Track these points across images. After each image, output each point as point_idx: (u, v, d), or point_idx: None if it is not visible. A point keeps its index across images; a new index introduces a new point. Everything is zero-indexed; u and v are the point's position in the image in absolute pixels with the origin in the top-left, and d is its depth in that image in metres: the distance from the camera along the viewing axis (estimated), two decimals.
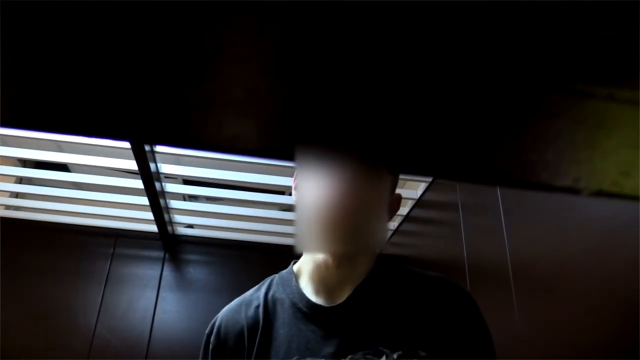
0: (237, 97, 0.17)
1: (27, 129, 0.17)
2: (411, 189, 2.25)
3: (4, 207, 2.76)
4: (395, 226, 2.46)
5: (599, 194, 0.17)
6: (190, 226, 2.80)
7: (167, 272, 2.70)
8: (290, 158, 0.18)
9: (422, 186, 2.16)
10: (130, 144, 1.62)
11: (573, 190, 0.17)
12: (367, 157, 0.17)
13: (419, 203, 2.22)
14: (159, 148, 1.84)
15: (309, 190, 0.78)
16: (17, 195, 2.81)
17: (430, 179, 2.06)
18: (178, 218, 2.61)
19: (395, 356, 0.72)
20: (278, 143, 0.18)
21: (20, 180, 2.84)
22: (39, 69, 0.16)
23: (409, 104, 0.16)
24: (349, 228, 0.76)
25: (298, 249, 0.82)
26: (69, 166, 2.60)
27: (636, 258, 0.90)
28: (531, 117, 0.16)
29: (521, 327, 1.25)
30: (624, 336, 0.92)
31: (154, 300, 2.61)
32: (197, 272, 2.74)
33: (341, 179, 0.75)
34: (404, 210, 2.34)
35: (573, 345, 1.06)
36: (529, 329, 1.23)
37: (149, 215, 2.34)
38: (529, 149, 0.16)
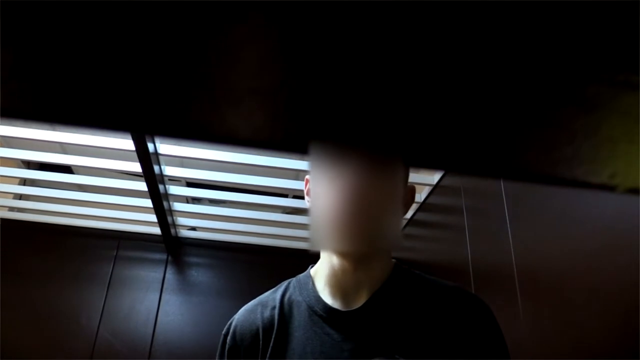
0: (242, 87, 0.17)
1: (29, 120, 0.17)
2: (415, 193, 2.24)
3: (7, 208, 2.76)
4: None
5: (633, 191, 0.17)
6: (193, 229, 2.80)
7: (170, 274, 2.70)
8: (293, 149, 0.18)
9: (425, 190, 2.16)
10: (135, 145, 1.62)
11: (607, 187, 0.16)
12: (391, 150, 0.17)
13: (423, 207, 2.21)
14: (162, 150, 1.84)
15: (321, 191, 0.78)
16: (20, 197, 2.81)
17: (434, 183, 2.05)
18: (181, 220, 2.60)
19: None
20: (283, 134, 0.18)
21: (24, 182, 2.84)
22: (41, 59, 0.16)
23: (437, 94, 0.16)
24: (363, 226, 0.75)
25: (313, 249, 0.81)
26: (73, 168, 2.60)
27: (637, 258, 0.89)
28: (566, 109, 0.15)
29: (527, 331, 1.24)
30: (631, 339, 0.91)
31: (157, 303, 2.60)
32: (200, 274, 2.73)
33: (353, 178, 0.74)
34: (408, 213, 2.33)
35: (579, 349, 1.05)
36: (535, 333, 1.22)
37: (152, 218, 2.34)
38: (563, 143, 0.15)
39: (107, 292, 2.59)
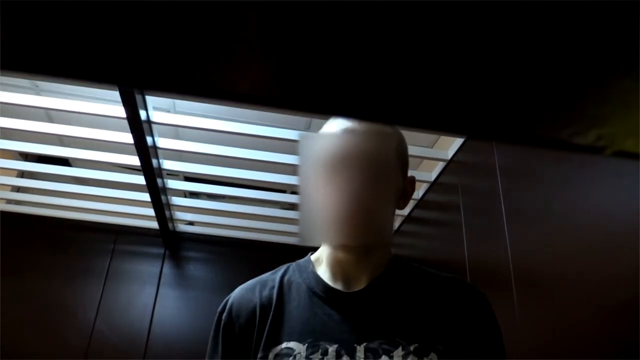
0: (241, 42, 0.17)
1: (32, 72, 0.17)
2: None
3: (4, 201, 2.76)
4: (397, 226, 2.46)
5: (621, 154, 0.17)
6: (191, 223, 2.80)
7: (167, 269, 2.70)
8: (292, 106, 0.18)
9: (423, 187, 2.16)
10: (133, 138, 1.62)
11: (594, 150, 0.17)
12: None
13: (420, 204, 2.22)
14: (161, 143, 1.84)
15: (315, 187, 0.78)
16: (18, 189, 2.81)
17: (431, 180, 2.05)
18: (179, 215, 2.60)
19: (411, 348, 0.72)
20: (281, 90, 0.18)
21: (22, 174, 2.84)
22: (42, 14, 0.16)
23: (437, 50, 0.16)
24: (361, 222, 0.76)
25: (304, 244, 0.82)
26: (71, 161, 2.60)
27: (637, 259, 0.89)
28: (557, 68, 0.15)
29: (522, 328, 1.25)
30: (625, 336, 0.92)
31: (154, 297, 2.61)
32: (197, 269, 2.73)
33: (350, 175, 0.75)
34: (404, 210, 2.33)
35: (574, 346, 1.06)
36: (530, 330, 1.22)
37: (150, 212, 2.33)
38: (552, 103, 0.15)
39: (104, 285, 2.59)
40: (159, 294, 2.62)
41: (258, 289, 0.83)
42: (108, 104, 1.75)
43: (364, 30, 0.16)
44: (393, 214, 0.85)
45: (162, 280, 2.66)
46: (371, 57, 0.16)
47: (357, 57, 0.16)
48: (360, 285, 0.80)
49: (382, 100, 0.18)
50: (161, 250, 2.73)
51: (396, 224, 2.45)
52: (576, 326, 1.06)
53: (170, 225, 2.53)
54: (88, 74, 0.17)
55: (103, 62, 0.16)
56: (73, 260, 2.62)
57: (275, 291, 0.81)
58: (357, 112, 0.19)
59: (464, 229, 1.70)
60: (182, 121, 1.76)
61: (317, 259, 0.86)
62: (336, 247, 0.82)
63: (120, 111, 1.57)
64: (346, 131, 0.78)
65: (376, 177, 0.76)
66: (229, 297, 0.85)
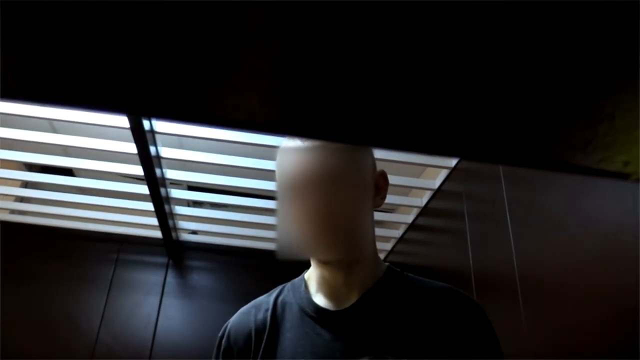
0: (240, 69, 0.17)
1: (36, 101, 0.17)
2: (416, 197, 2.24)
3: (8, 211, 2.76)
4: (400, 234, 2.45)
5: None
6: (195, 232, 2.79)
7: (171, 278, 2.69)
8: (289, 132, 0.18)
9: (427, 194, 2.15)
10: (137, 148, 1.62)
11: (621, 176, 0.16)
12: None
13: (424, 211, 2.21)
14: (164, 153, 1.84)
15: (285, 206, 0.79)
16: (21, 199, 2.81)
17: (435, 187, 2.05)
18: (182, 224, 2.60)
19: None
20: (279, 117, 0.17)
21: (26, 184, 2.84)
22: (46, 41, 0.16)
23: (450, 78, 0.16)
24: (332, 238, 0.76)
25: (281, 257, 0.83)
26: (74, 171, 2.60)
27: None
28: (585, 92, 0.15)
29: (529, 336, 1.24)
30: (632, 345, 0.91)
31: (157, 307, 2.60)
32: (200, 278, 2.73)
33: (313, 194, 0.75)
34: (408, 218, 2.33)
35: (581, 354, 1.05)
36: (537, 339, 1.21)
37: (154, 221, 2.33)
38: (579, 127, 0.15)
39: (107, 295, 2.59)
40: (162, 303, 2.61)
41: (253, 312, 0.85)
42: (112, 114, 1.76)
43: (362, 56, 0.16)
44: (369, 219, 0.82)
45: (165, 289, 2.65)
46: (368, 84, 0.16)
47: (354, 84, 0.16)
48: (350, 301, 0.79)
49: (382, 126, 0.18)
50: (165, 260, 2.73)
51: (400, 232, 2.44)
52: (584, 334, 1.05)
53: (173, 234, 2.53)
54: (80, 101, 0.16)
55: (98, 90, 0.16)
56: (76, 270, 2.61)
57: (269, 314, 0.82)
58: (354, 137, 0.19)
59: (468, 236, 1.70)
60: (185, 130, 1.76)
61: (310, 277, 0.86)
62: (317, 264, 0.82)
63: (123, 121, 1.57)
64: (298, 150, 0.78)
65: (338, 190, 0.75)
66: (228, 323, 0.87)
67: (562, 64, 0.14)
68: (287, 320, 0.81)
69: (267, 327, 0.80)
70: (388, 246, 2.60)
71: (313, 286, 0.84)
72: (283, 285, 0.89)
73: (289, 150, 0.79)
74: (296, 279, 0.88)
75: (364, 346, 0.74)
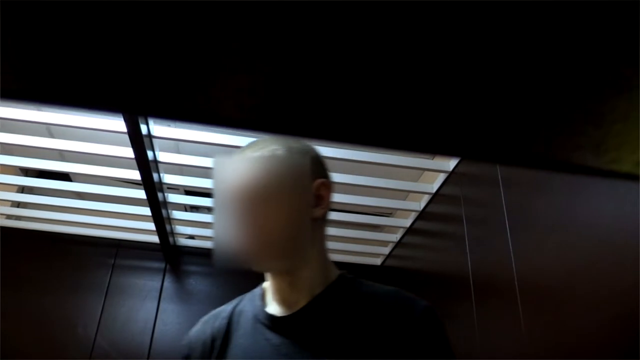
0: (231, 68, 0.16)
1: (33, 101, 0.17)
2: (414, 201, 2.24)
3: (5, 216, 2.75)
4: (398, 238, 2.44)
5: None
6: (192, 237, 2.78)
7: (168, 283, 2.68)
8: (279, 130, 0.18)
9: (425, 198, 2.15)
10: (134, 153, 1.62)
11: (631, 177, 0.16)
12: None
13: (422, 215, 2.21)
14: (162, 157, 1.84)
15: (216, 217, 0.80)
16: (18, 204, 2.80)
17: (433, 191, 2.05)
18: (180, 229, 2.59)
19: None
20: (269, 115, 0.17)
21: (22, 189, 2.83)
22: (46, 41, 0.16)
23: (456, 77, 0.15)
24: (256, 251, 0.79)
25: (217, 265, 0.84)
26: (71, 176, 2.59)
27: None
28: (596, 91, 0.15)
29: (528, 339, 1.23)
30: (631, 348, 0.91)
31: (155, 312, 2.59)
32: (198, 283, 2.72)
33: (231, 206, 0.77)
34: (406, 222, 2.32)
35: (581, 357, 1.04)
36: (536, 342, 1.21)
37: (151, 226, 2.32)
38: (590, 127, 0.15)
39: (104, 300, 2.57)
40: (160, 308, 2.60)
41: (212, 321, 0.88)
42: (109, 118, 1.75)
43: (361, 56, 0.16)
44: (306, 230, 0.82)
45: (163, 294, 2.64)
46: (368, 84, 0.16)
47: (354, 84, 0.16)
48: (298, 307, 0.81)
49: (375, 124, 0.18)
50: (162, 265, 2.71)
51: (397, 236, 2.44)
52: (583, 337, 1.05)
53: (170, 239, 2.52)
54: (72, 100, 0.16)
55: (88, 88, 0.16)
56: (73, 275, 2.60)
57: (225, 322, 0.85)
58: (354, 137, 0.19)
59: (466, 240, 1.69)
60: (183, 135, 1.76)
61: (266, 286, 0.89)
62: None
63: (121, 126, 1.57)
64: (227, 163, 0.81)
65: (263, 204, 0.77)
66: (190, 332, 0.91)
67: (571, 63, 0.14)
68: (241, 327, 0.83)
69: (222, 334, 0.83)
70: (386, 250, 2.60)
71: (269, 294, 0.87)
72: (244, 295, 0.93)
73: (221, 162, 0.82)
74: (256, 288, 0.91)
75: (306, 351, 0.76)
